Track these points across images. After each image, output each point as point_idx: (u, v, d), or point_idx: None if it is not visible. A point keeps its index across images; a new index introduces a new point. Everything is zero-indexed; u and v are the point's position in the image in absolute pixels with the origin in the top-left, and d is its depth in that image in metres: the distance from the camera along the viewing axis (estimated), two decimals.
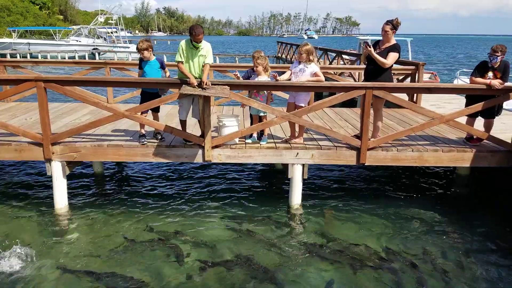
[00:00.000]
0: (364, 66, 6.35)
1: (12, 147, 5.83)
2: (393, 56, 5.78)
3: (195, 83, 5.48)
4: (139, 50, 5.77)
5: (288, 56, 26.53)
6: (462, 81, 12.85)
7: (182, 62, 5.57)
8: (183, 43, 5.59)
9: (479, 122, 6.25)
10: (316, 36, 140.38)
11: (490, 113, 6.09)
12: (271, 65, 6.49)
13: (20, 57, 31.37)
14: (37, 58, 31.14)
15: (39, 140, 5.76)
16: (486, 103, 5.86)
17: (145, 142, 5.90)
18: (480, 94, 5.90)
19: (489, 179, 6.97)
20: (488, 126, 6.19)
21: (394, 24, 5.77)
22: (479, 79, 5.90)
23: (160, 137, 6.06)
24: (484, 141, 6.17)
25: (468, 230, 5.59)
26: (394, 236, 5.48)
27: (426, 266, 4.78)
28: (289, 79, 5.94)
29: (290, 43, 27.64)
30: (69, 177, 6.34)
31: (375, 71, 5.87)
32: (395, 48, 5.80)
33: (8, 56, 31.82)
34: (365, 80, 6.09)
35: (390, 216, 6.00)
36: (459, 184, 7.31)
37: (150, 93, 5.88)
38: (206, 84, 5.45)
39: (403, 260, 4.91)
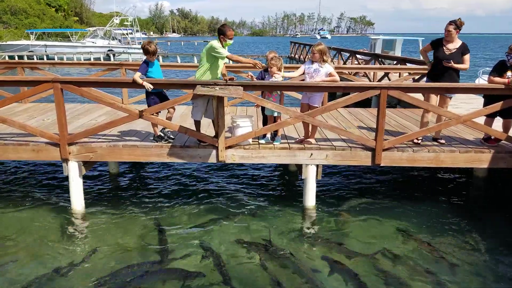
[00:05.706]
0: (377, 66, 6.28)
1: (30, 147, 5.94)
2: (467, 59, 6.05)
3: (259, 64, 5.74)
4: (153, 53, 5.69)
5: (302, 56, 26.51)
6: (484, 80, 12.59)
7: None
8: (216, 42, 5.64)
9: (498, 123, 6.12)
10: (329, 36, 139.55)
11: (509, 113, 5.97)
12: (284, 65, 6.47)
13: (37, 59, 31.98)
14: (54, 59, 31.71)
15: (56, 140, 5.85)
16: (504, 103, 5.73)
17: (160, 142, 5.93)
18: (499, 94, 5.79)
19: (508, 180, 6.82)
20: (506, 127, 6.07)
21: (457, 24, 6.00)
22: (497, 79, 5.79)
23: (165, 137, 6.01)
24: (503, 141, 6.05)
25: (486, 231, 5.49)
26: (410, 238, 5.40)
27: (441, 266, 4.71)
28: (303, 79, 5.92)
29: (303, 43, 27.61)
30: (85, 177, 6.43)
31: (446, 72, 6.08)
32: (467, 49, 6.05)
33: (26, 58, 32.43)
34: (434, 81, 6.16)
35: (406, 218, 5.92)
36: (476, 185, 7.18)
37: (158, 92, 5.86)
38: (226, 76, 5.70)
39: (419, 260, 4.84)
